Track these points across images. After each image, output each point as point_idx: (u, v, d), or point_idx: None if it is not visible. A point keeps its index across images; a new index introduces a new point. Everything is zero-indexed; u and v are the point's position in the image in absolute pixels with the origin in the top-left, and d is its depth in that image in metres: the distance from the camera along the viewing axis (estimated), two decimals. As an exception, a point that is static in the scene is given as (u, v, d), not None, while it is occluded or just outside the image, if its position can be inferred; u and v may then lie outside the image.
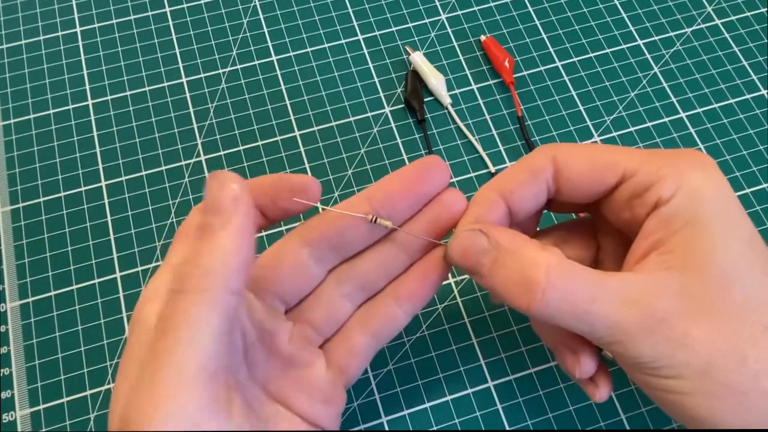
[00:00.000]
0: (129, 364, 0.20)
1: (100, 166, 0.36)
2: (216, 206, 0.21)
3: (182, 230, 0.24)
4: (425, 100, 0.38)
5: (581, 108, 0.39)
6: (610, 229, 0.27)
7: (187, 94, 0.39)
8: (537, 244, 0.23)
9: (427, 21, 0.41)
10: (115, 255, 0.34)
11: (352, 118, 0.38)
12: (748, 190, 0.36)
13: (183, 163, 0.37)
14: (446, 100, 0.38)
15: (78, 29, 0.41)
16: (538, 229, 0.28)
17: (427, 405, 0.31)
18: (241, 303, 0.21)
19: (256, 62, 0.40)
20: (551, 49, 0.41)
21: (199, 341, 0.19)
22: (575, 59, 0.40)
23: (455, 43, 0.41)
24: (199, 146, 0.37)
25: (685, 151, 0.24)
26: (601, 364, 0.26)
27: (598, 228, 0.28)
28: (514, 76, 0.39)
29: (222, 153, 0.37)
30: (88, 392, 0.31)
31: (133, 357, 0.20)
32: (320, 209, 0.26)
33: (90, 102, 0.38)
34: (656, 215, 0.23)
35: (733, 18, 0.42)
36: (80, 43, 0.40)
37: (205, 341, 0.19)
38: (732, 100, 0.39)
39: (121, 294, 0.33)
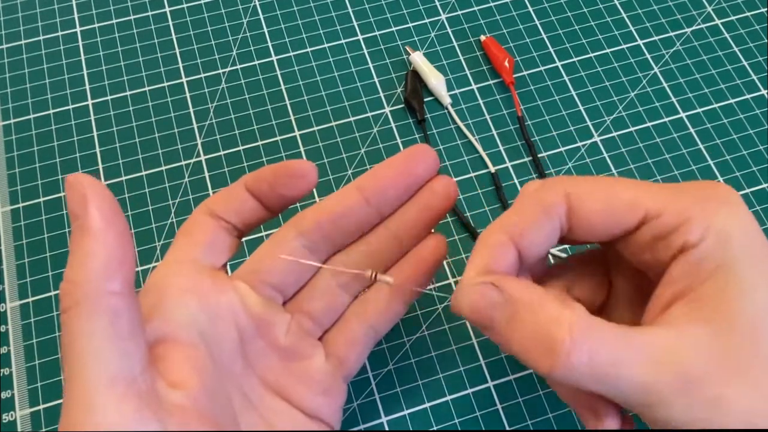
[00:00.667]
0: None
1: (100, 166, 0.36)
2: (72, 213, 0.19)
3: (182, 229, 0.24)
4: (425, 100, 0.38)
5: (581, 108, 0.39)
6: (624, 266, 0.25)
7: (187, 94, 0.39)
8: (556, 298, 0.21)
9: (427, 21, 0.41)
10: (115, 255, 0.34)
11: (352, 118, 0.38)
12: (748, 190, 0.36)
13: (183, 163, 0.37)
14: (446, 100, 0.38)
15: (78, 29, 0.41)
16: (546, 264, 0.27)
17: (427, 405, 0.31)
18: (131, 301, 0.20)
19: (256, 62, 0.40)
20: (551, 49, 0.41)
21: (95, 352, 0.18)
22: (575, 59, 0.40)
23: (455, 43, 0.41)
24: (199, 146, 0.37)
25: (707, 185, 0.22)
26: (625, 417, 0.24)
27: (611, 263, 0.26)
28: (514, 76, 0.39)
29: (222, 153, 0.37)
30: (88, 392, 0.31)
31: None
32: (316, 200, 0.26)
33: (90, 102, 0.38)
34: (683, 260, 0.21)
35: (733, 18, 0.42)
36: (80, 43, 0.40)
37: (101, 350, 0.18)
38: (732, 100, 0.39)
39: (121, 294, 0.33)
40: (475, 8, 0.42)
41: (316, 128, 0.38)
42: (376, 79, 0.39)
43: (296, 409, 0.24)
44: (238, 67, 0.40)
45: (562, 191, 0.22)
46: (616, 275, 0.26)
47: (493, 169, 0.36)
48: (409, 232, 0.26)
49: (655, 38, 0.41)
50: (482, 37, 0.40)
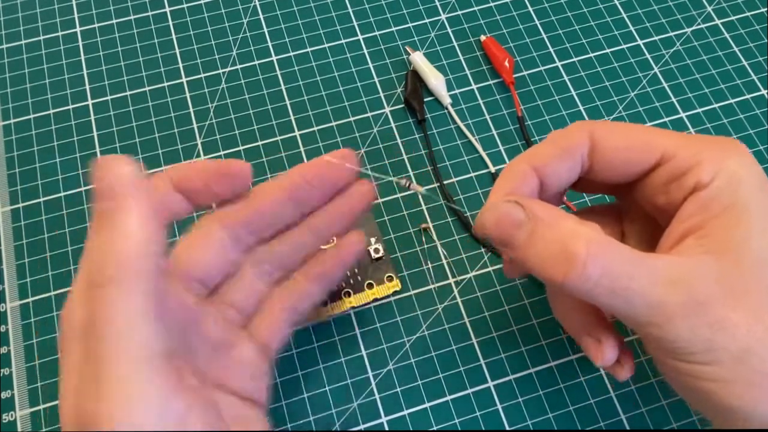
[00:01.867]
0: (68, 369, 0.20)
1: (100, 166, 0.36)
2: (110, 191, 0.20)
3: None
4: (425, 100, 0.38)
5: (581, 108, 0.39)
6: (637, 216, 0.26)
7: (187, 94, 0.39)
8: (575, 218, 0.22)
9: (427, 21, 0.41)
10: (115, 255, 0.34)
11: (352, 118, 0.38)
12: (748, 190, 0.36)
13: (183, 163, 0.37)
14: (446, 100, 0.38)
15: (78, 29, 0.41)
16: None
17: (427, 405, 0.31)
18: (163, 282, 0.21)
19: (256, 62, 0.40)
20: (551, 49, 0.41)
21: (134, 328, 0.19)
22: (575, 59, 0.40)
23: (455, 43, 0.41)
24: (199, 146, 0.37)
25: (721, 138, 0.24)
26: (624, 348, 0.25)
27: (624, 214, 0.28)
28: (514, 76, 0.39)
29: (222, 153, 0.37)
30: (88, 392, 0.31)
31: (70, 362, 0.20)
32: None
33: (90, 102, 0.38)
34: (694, 199, 0.23)
35: (733, 18, 0.42)
36: (80, 43, 0.40)
37: (139, 326, 0.19)
38: (732, 100, 0.39)
39: (121, 294, 0.33)
40: (475, 8, 0.42)
41: (316, 128, 0.38)
42: (376, 79, 0.39)
43: (230, 395, 0.25)
44: (238, 67, 0.40)
45: (587, 131, 0.24)
46: (628, 227, 0.27)
47: (493, 169, 0.36)
48: (330, 229, 0.27)
49: (655, 38, 0.41)
50: (482, 37, 0.40)
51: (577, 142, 0.24)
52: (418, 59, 0.39)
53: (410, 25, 0.41)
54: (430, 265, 0.34)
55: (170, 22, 0.41)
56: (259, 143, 0.37)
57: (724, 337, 0.21)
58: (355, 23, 0.41)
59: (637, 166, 0.24)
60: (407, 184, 0.28)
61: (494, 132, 0.38)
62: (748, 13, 0.42)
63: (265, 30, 0.41)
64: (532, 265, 0.22)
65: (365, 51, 0.40)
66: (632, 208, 0.27)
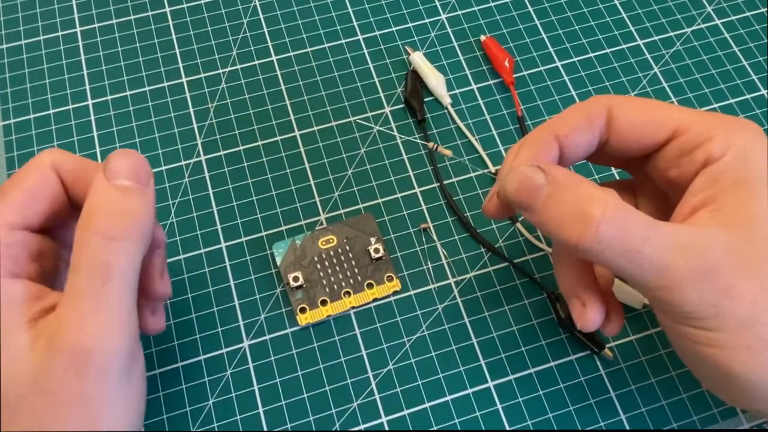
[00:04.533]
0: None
1: (100, 166, 0.36)
2: (136, 176, 0.24)
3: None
4: (425, 100, 0.38)
5: (581, 108, 0.38)
6: (650, 192, 0.27)
7: (187, 94, 0.39)
8: (594, 183, 0.23)
9: (427, 21, 0.41)
10: (115, 255, 0.34)
11: (352, 118, 0.38)
12: (748, 190, 0.36)
13: (183, 163, 0.37)
14: (446, 100, 0.38)
15: (78, 29, 0.41)
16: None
17: (427, 405, 0.31)
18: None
19: (256, 62, 0.40)
20: (551, 49, 0.41)
21: (132, 282, 0.24)
22: (575, 59, 0.40)
23: (455, 43, 0.41)
24: (199, 146, 0.37)
25: (733, 117, 0.25)
26: (615, 305, 0.27)
27: (637, 189, 0.28)
28: (514, 76, 0.39)
29: (222, 153, 0.37)
30: (88, 392, 0.31)
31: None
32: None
33: (90, 102, 0.38)
34: (706, 173, 0.23)
35: (733, 18, 0.42)
36: (80, 43, 0.40)
37: (134, 283, 0.24)
38: (732, 100, 0.39)
39: (121, 294, 0.33)
40: (475, 8, 0.42)
41: (316, 128, 0.38)
42: (376, 79, 0.39)
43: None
44: (238, 67, 0.40)
45: (605, 104, 0.25)
46: (641, 202, 0.28)
47: (493, 169, 0.36)
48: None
49: (655, 38, 0.41)
50: (482, 37, 0.40)
51: (596, 113, 0.25)
52: (418, 59, 0.39)
53: (410, 25, 0.41)
54: (430, 265, 0.34)
55: (170, 22, 0.41)
56: (259, 143, 0.37)
57: (730, 304, 0.21)
58: (355, 23, 0.41)
59: (651, 139, 0.25)
60: (435, 148, 0.28)
61: (494, 132, 0.38)
62: (748, 13, 0.42)
63: (265, 30, 0.41)
64: (548, 226, 0.23)
65: (365, 51, 0.40)
66: (645, 184, 0.27)
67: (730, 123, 0.24)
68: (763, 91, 0.39)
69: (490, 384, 0.31)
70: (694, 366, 0.25)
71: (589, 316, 0.26)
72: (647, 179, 0.27)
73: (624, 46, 0.41)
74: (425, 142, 0.37)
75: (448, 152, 0.28)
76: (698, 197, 0.23)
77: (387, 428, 0.31)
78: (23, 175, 0.25)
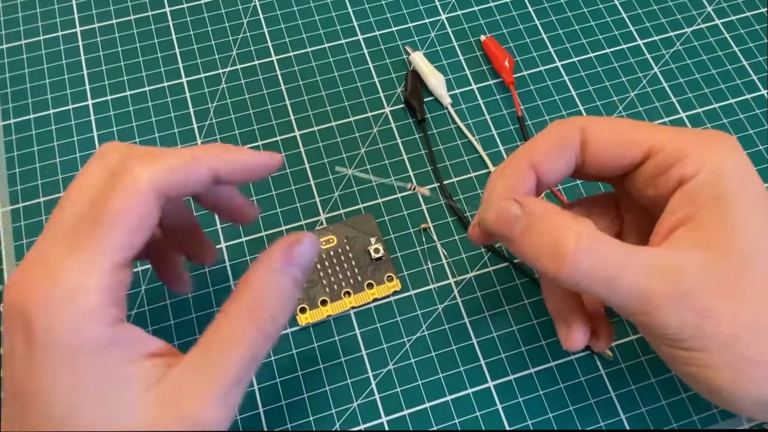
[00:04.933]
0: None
1: (100, 166, 0.36)
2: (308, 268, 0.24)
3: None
4: (425, 100, 0.38)
5: (581, 108, 0.39)
6: (634, 205, 0.27)
7: (187, 94, 0.39)
8: (568, 213, 0.23)
9: (427, 21, 0.41)
10: (115, 255, 0.34)
11: (352, 118, 0.38)
12: (748, 190, 0.36)
13: (183, 163, 0.37)
14: (446, 100, 0.38)
15: (78, 29, 0.41)
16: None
17: (427, 405, 0.31)
18: None
19: (256, 62, 0.40)
20: (551, 49, 0.41)
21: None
22: (575, 59, 0.40)
23: (455, 43, 0.41)
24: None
25: (708, 131, 0.25)
26: (604, 323, 0.27)
27: (622, 203, 0.28)
28: (514, 76, 0.39)
29: (222, 153, 0.37)
30: (88, 392, 0.31)
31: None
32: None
33: (90, 102, 0.38)
34: (682, 192, 0.23)
35: (733, 18, 0.42)
36: (80, 43, 0.40)
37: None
38: (732, 100, 0.39)
39: (121, 294, 0.33)
40: (475, 8, 0.42)
41: (316, 128, 0.38)
42: (376, 79, 0.39)
43: None
44: (238, 67, 0.40)
45: (579, 126, 0.25)
46: (627, 214, 0.28)
47: (493, 169, 0.36)
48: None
49: (655, 38, 0.41)
50: (482, 37, 0.40)
51: (570, 137, 0.25)
52: (418, 59, 0.39)
53: (410, 25, 0.41)
54: (430, 265, 0.34)
55: (170, 22, 0.41)
56: (259, 143, 0.37)
57: (710, 325, 0.22)
58: (355, 23, 0.41)
59: (626, 159, 0.25)
60: (412, 188, 0.30)
61: (494, 132, 0.38)
62: (748, 13, 0.42)
63: (265, 30, 0.41)
64: (527, 257, 0.24)
65: (365, 51, 0.40)
66: (629, 198, 0.27)
67: (705, 139, 0.24)
68: (763, 91, 0.39)
69: (490, 384, 0.31)
70: (684, 380, 0.25)
71: (572, 337, 0.26)
72: (631, 195, 0.27)
73: (624, 46, 0.41)
74: (425, 151, 0.37)
75: (425, 191, 0.30)
76: (675, 216, 0.23)
77: (387, 428, 0.31)
78: (120, 202, 0.21)
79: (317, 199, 0.36)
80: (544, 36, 0.41)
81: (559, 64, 0.40)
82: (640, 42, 0.41)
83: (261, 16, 0.41)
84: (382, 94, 0.39)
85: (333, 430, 0.30)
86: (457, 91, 0.39)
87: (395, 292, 0.33)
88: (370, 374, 0.32)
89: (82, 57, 0.40)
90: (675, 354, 0.23)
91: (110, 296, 0.21)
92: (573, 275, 0.22)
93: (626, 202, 0.28)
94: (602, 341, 0.27)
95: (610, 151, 0.25)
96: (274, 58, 0.40)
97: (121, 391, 0.21)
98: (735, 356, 0.22)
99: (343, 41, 0.41)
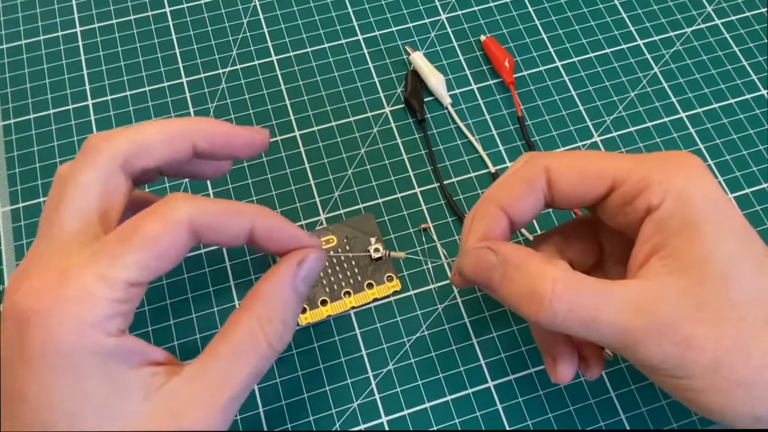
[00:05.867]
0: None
1: (100, 166, 0.36)
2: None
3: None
4: (425, 100, 0.38)
5: (581, 108, 0.39)
6: (611, 229, 0.27)
7: (187, 94, 0.39)
8: (542, 257, 0.24)
9: (427, 21, 0.41)
10: (115, 255, 0.34)
11: (352, 118, 0.38)
12: (748, 190, 0.36)
13: (183, 163, 0.37)
14: (446, 100, 0.38)
15: (78, 29, 0.41)
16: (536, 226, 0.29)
17: (427, 405, 0.31)
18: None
19: (256, 62, 0.40)
20: (551, 49, 0.41)
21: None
22: (575, 59, 0.40)
23: (455, 43, 0.41)
24: (199, 146, 0.37)
25: (671, 154, 0.25)
26: (594, 352, 0.27)
27: (599, 227, 0.28)
28: (514, 76, 0.39)
29: (222, 153, 0.37)
30: (88, 392, 0.31)
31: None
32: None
33: (90, 102, 0.38)
34: (650, 221, 0.23)
35: (733, 18, 0.42)
36: (80, 43, 0.40)
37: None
38: (732, 100, 0.39)
39: (121, 294, 0.33)
40: (475, 8, 0.42)
41: (316, 128, 0.38)
42: (376, 79, 0.39)
43: None
44: (238, 67, 0.40)
45: (543, 166, 0.25)
46: (605, 238, 0.28)
47: (493, 169, 0.36)
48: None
49: (655, 38, 0.41)
50: (482, 37, 0.40)
51: (535, 177, 0.25)
52: (418, 59, 0.39)
53: (410, 25, 0.41)
54: (430, 265, 0.34)
55: (170, 22, 0.41)
56: (259, 143, 0.37)
57: (692, 353, 0.22)
58: (355, 23, 0.41)
59: (592, 194, 0.25)
60: (387, 254, 0.32)
61: (494, 132, 0.38)
62: (748, 13, 0.42)
63: (265, 30, 0.41)
64: (508, 303, 0.24)
65: (365, 51, 0.40)
66: (605, 223, 0.27)
67: (666, 164, 0.24)
68: (763, 91, 0.39)
69: (490, 384, 0.31)
70: (683, 404, 0.25)
71: (559, 370, 0.26)
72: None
73: (624, 46, 0.41)
74: (425, 150, 0.37)
75: (401, 255, 0.32)
76: (648, 245, 0.23)
77: (387, 428, 0.31)
78: (156, 229, 0.22)
79: (317, 199, 0.36)
80: (544, 36, 0.41)
81: (559, 64, 0.40)
82: (640, 42, 0.41)
83: (261, 16, 0.41)
84: (382, 94, 0.39)
85: (333, 430, 0.30)
86: (457, 91, 0.39)
87: (395, 292, 0.33)
88: (370, 374, 0.32)
89: (82, 57, 0.40)
90: (665, 381, 0.23)
91: (119, 309, 0.21)
92: (552, 320, 0.23)
93: (604, 227, 0.28)
94: (592, 368, 0.27)
95: (575, 187, 0.25)
96: (274, 58, 0.40)
97: (120, 397, 0.21)
98: (720, 380, 0.22)
99: (343, 41, 0.41)
